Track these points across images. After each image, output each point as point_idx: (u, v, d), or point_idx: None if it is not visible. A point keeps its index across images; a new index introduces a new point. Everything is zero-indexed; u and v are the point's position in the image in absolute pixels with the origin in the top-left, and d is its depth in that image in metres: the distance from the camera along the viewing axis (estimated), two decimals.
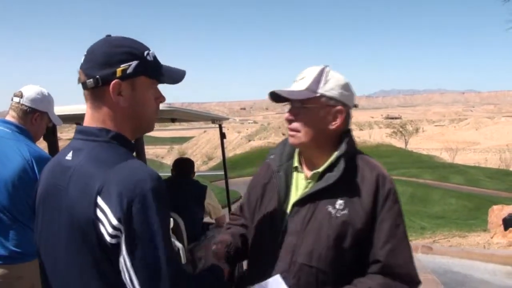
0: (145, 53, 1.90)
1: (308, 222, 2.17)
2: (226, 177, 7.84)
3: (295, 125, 2.26)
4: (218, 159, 75.43)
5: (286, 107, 2.31)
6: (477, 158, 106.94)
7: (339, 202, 2.14)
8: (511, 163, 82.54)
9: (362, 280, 2.10)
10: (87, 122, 1.91)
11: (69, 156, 1.87)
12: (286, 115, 2.29)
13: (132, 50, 1.88)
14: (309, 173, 2.30)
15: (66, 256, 1.78)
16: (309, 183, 2.29)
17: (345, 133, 2.28)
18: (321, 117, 2.23)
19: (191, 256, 5.25)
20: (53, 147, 5.33)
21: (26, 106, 3.63)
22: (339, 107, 2.23)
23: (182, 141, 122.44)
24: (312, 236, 2.14)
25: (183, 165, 6.20)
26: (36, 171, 3.37)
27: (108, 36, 1.94)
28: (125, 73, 1.84)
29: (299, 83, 2.26)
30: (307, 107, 2.22)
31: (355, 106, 2.37)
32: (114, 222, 1.63)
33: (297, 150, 2.41)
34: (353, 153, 2.27)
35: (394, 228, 2.12)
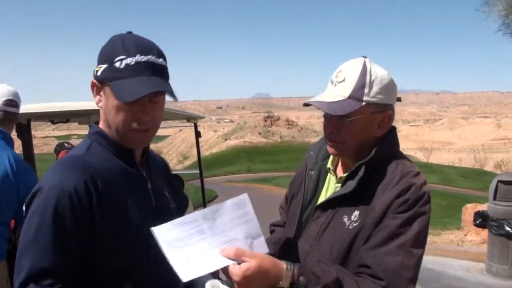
0: (117, 58, 1.77)
1: (324, 231, 1.99)
2: (201, 176, 7.80)
3: (337, 137, 2.01)
4: (193, 158, 75.16)
5: (318, 111, 2.03)
6: (451, 158, 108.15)
7: (355, 213, 1.92)
8: (485, 163, 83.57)
9: (346, 274, 1.82)
10: None
11: None
12: (326, 126, 2.04)
13: (107, 52, 1.81)
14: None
15: None
16: (337, 187, 2.09)
17: (388, 134, 2.05)
18: (367, 127, 1.99)
19: None
20: (27, 144, 5.28)
21: (16, 111, 3.68)
22: (387, 113, 2.00)
23: (158, 140, 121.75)
24: (324, 246, 1.97)
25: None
26: (18, 178, 3.36)
27: (129, 32, 1.88)
28: (96, 75, 1.83)
29: (339, 88, 1.97)
30: (351, 120, 1.95)
31: (398, 100, 2.10)
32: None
33: None
34: (389, 157, 2.00)
35: (397, 234, 1.82)
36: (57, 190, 1.70)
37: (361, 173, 1.92)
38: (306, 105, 2.04)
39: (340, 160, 2.18)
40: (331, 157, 2.20)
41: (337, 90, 1.97)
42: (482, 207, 11.64)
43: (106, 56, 1.80)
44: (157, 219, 1.83)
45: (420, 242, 1.88)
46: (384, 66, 2.00)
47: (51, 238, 1.68)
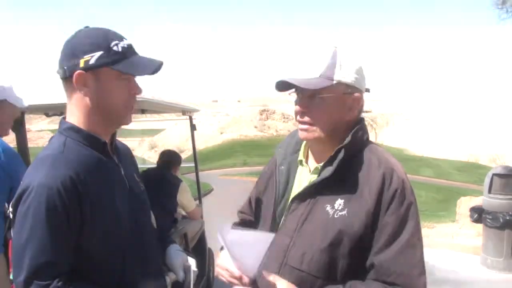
0: (113, 43, 1.92)
1: (304, 222, 1.95)
2: (196, 170, 7.80)
3: (308, 118, 2.00)
4: (189, 151, 74.22)
5: (293, 96, 2.07)
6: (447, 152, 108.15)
7: (339, 202, 1.90)
8: (480, 157, 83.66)
9: (355, 282, 1.87)
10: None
11: None
12: (297, 107, 2.03)
13: (97, 40, 1.92)
14: (313, 167, 2.09)
15: None
16: (313, 178, 2.05)
17: (357, 123, 2.04)
18: (337, 108, 1.98)
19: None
20: (22, 138, 5.25)
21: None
22: (356, 95, 1.99)
23: (153, 133, 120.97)
24: (306, 238, 1.92)
25: (165, 157, 6.28)
26: (9, 166, 3.31)
27: (86, 27, 2.00)
28: (88, 64, 1.89)
29: (309, 69, 1.98)
30: (322, 97, 1.96)
31: (367, 90, 2.12)
32: (7, 210, 1.87)
33: (304, 143, 2.18)
34: (362, 145, 2.03)
35: (397, 233, 1.84)
36: (46, 189, 1.78)
37: (340, 156, 1.92)
38: (279, 83, 2.02)
39: (311, 152, 2.17)
40: (302, 150, 2.20)
41: (306, 70, 1.99)
42: (477, 200, 11.70)
43: (94, 45, 1.90)
44: (134, 202, 2.11)
45: (419, 232, 1.90)
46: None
47: (46, 235, 1.77)
